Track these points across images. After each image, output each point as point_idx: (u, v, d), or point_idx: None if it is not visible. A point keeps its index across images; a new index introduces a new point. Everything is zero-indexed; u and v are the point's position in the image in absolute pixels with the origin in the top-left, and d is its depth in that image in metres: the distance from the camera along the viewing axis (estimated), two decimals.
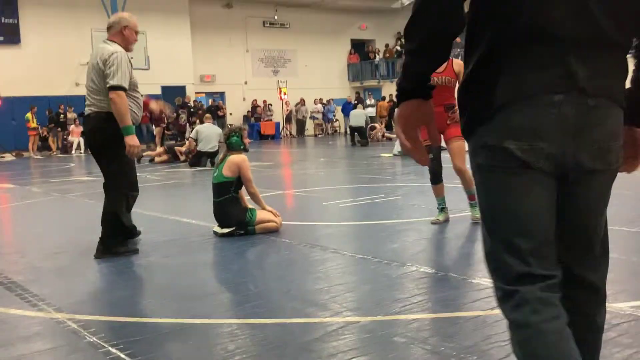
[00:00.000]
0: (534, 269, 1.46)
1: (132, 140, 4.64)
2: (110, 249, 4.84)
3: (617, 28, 1.44)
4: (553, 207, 1.51)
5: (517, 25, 1.42)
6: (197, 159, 13.29)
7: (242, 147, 5.65)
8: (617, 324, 2.92)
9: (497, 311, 3.07)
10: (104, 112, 4.73)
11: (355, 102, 24.50)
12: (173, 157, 15.16)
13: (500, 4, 1.43)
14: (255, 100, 27.32)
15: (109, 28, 4.97)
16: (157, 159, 15.25)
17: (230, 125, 16.25)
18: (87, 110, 4.93)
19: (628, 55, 1.55)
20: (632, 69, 1.59)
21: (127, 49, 4.92)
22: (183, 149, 15.08)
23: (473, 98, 1.50)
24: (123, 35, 4.92)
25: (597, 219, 1.58)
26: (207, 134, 13.27)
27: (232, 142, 5.61)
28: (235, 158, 5.50)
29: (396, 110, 1.55)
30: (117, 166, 4.81)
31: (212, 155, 13.01)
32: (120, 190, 4.85)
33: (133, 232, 5.07)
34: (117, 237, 4.89)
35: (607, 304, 2.44)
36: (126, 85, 4.71)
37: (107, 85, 4.65)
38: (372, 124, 21.47)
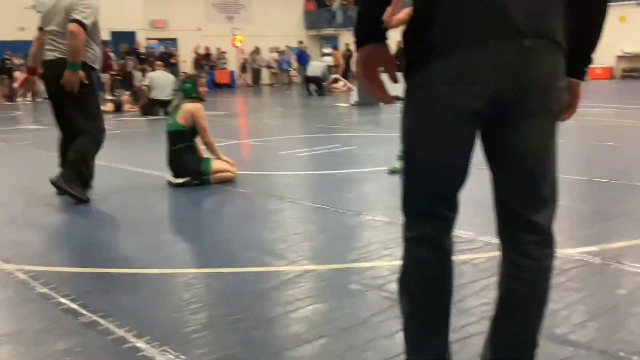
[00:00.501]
0: (437, 209, 1.62)
1: (73, 76, 4.57)
2: (66, 187, 4.70)
3: None
4: (470, 155, 1.58)
5: None
6: (150, 107, 12.96)
7: (194, 94, 5.45)
8: (567, 269, 3.00)
9: (477, 261, 3.13)
10: None
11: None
12: (116, 107, 14.72)
13: None
14: (208, 47, 26.65)
15: None
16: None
17: (183, 73, 15.84)
18: (49, 55, 4.77)
19: None
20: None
21: None
22: (126, 97, 14.70)
23: (413, 42, 1.53)
24: None
25: (542, 160, 1.59)
26: (160, 81, 12.93)
27: (185, 88, 5.45)
28: (190, 106, 5.36)
29: (356, 54, 1.60)
30: (88, 112, 4.78)
31: (165, 103, 12.68)
32: (93, 137, 4.81)
33: (89, 182, 4.95)
34: (77, 181, 4.78)
35: (558, 250, 2.50)
36: (89, 25, 4.64)
37: (71, 18, 4.56)
38: (336, 76, 21.22)
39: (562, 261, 3.11)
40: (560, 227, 3.96)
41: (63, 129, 5.03)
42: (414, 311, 1.69)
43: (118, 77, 20.73)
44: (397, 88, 1.55)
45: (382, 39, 1.56)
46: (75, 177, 4.75)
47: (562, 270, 2.99)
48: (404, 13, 1.71)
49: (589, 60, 1.70)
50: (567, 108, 1.71)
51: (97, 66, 4.90)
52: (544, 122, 1.56)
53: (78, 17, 4.58)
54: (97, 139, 4.86)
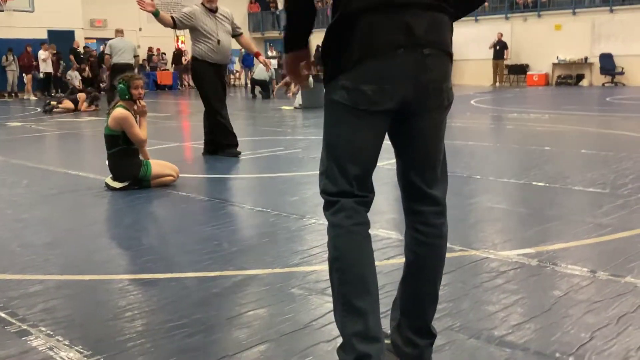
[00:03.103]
0: (354, 190, 1.90)
1: None
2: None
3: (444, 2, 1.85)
4: (381, 143, 1.93)
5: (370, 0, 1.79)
6: (115, 73, 12.62)
7: (127, 96, 5.25)
8: (504, 271, 3.05)
9: (394, 260, 3.14)
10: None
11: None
12: (75, 106, 14.36)
13: None
14: (151, 47, 26.17)
15: None
16: (60, 107, 14.29)
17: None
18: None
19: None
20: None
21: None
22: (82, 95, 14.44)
23: (334, 52, 1.86)
24: None
25: (436, 145, 1.96)
26: (121, 46, 12.91)
27: (119, 90, 5.28)
28: (117, 113, 5.14)
29: (284, 57, 2.00)
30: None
31: (127, 67, 12.42)
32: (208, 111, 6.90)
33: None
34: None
35: (495, 252, 2.53)
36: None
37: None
38: (287, 80, 21.07)
39: (499, 263, 3.17)
40: (498, 229, 4.07)
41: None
42: (345, 279, 1.87)
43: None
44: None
45: (305, 46, 1.98)
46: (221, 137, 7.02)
47: (500, 272, 3.04)
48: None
49: None
50: None
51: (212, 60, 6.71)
52: (438, 115, 1.93)
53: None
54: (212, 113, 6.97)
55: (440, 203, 2.00)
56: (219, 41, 6.60)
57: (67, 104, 14.40)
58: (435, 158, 1.97)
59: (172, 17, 6.66)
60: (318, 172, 1.98)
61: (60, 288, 2.96)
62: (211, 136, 7.06)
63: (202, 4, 6.67)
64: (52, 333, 2.42)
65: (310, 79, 13.77)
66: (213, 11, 6.67)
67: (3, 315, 2.60)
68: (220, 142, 6.99)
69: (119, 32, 13.84)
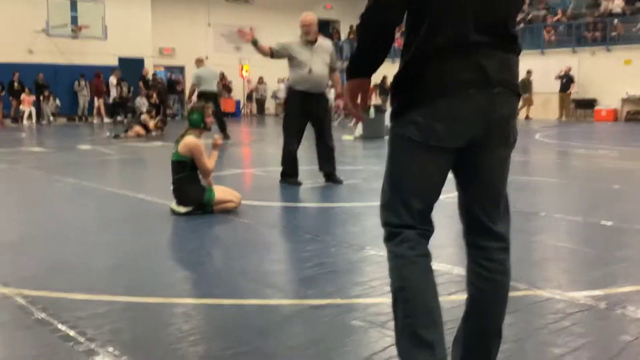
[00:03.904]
0: (417, 223, 1.94)
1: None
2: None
3: (510, 38, 1.91)
4: (445, 178, 1.96)
5: (441, 37, 1.82)
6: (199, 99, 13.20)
7: (202, 125, 5.47)
8: (571, 313, 2.96)
9: (455, 297, 3.10)
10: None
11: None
12: (146, 130, 14.97)
13: (428, 21, 1.83)
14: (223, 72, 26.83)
15: None
16: (129, 134, 14.86)
17: (189, 100, 16.11)
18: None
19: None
20: None
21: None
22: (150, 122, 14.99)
23: (407, 87, 1.89)
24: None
25: (501, 182, 2.00)
26: (207, 76, 13.44)
27: (192, 119, 5.46)
28: (188, 140, 5.32)
29: (346, 83, 2.01)
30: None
31: (214, 96, 13.23)
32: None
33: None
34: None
35: (561, 293, 2.46)
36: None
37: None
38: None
39: (566, 304, 3.07)
40: (564, 269, 3.95)
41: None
42: (411, 310, 1.88)
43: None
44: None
45: (369, 75, 1.99)
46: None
47: (567, 314, 2.95)
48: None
49: None
50: None
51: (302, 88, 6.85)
52: (503, 152, 1.97)
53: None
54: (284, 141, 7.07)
55: (504, 239, 2.01)
56: (310, 70, 6.76)
57: (138, 129, 14.93)
58: (499, 194, 1.99)
59: (270, 47, 6.92)
60: (379, 203, 2.01)
61: (126, 309, 3.05)
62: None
63: (301, 36, 6.90)
64: (118, 354, 2.48)
65: (372, 109, 13.85)
66: (311, 42, 6.87)
67: (72, 334, 2.69)
68: (284, 170, 7.10)
69: (200, 62, 14.25)
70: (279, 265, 3.82)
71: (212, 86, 13.58)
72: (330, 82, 7.51)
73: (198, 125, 5.45)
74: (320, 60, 6.86)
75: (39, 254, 4.13)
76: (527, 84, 22.31)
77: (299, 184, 6.98)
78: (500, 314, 2.03)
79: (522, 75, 21.81)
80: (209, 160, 5.40)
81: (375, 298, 3.18)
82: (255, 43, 6.81)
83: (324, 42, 7.08)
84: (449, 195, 2.18)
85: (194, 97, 13.10)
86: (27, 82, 21.34)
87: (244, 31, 6.83)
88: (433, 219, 1.99)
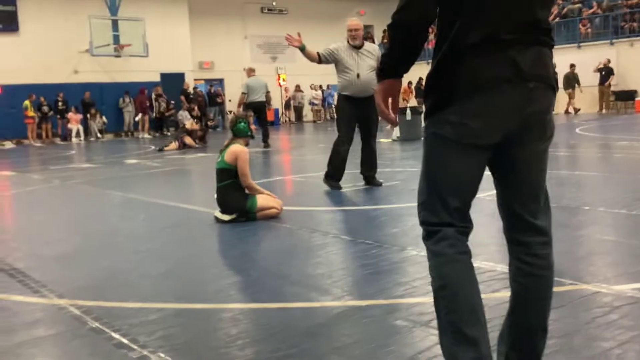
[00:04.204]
0: (455, 221, 1.93)
1: None
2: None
3: (543, 32, 1.88)
4: (482, 175, 1.95)
5: (473, 35, 1.82)
6: (251, 111, 13.55)
7: (249, 133, 5.66)
8: (618, 306, 2.92)
9: (499, 294, 3.09)
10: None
11: None
12: (183, 145, 15.22)
13: (460, 19, 1.83)
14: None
15: None
16: (172, 146, 15.23)
17: (230, 112, 16.29)
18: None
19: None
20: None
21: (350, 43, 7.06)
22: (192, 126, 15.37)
23: (440, 86, 1.89)
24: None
25: (539, 176, 1.98)
26: (256, 86, 13.80)
27: (240, 128, 5.60)
28: (236, 148, 5.48)
29: (377, 85, 2.00)
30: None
31: (261, 106, 13.71)
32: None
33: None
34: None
35: (608, 287, 2.46)
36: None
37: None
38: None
39: (613, 298, 3.04)
40: (610, 262, 3.89)
41: None
42: (453, 307, 1.87)
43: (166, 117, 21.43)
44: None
45: (400, 76, 1.99)
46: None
47: (614, 307, 2.91)
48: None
49: None
50: None
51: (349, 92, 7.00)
52: (540, 146, 1.95)
53: None
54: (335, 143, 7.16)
55: (546, 233, 1.99)
56: (358, 75, 6.88)
57: (189, 140, 15.26)
58: (538, 188, 1.98)
59: (317, 53, 7.02)
60: (417, 203, 2.02)
61: (176, 316, 3.14)
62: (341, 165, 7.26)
63: (347, 40, 7.05)
64: (170, 359, 2.57)
65: (408, 111, 13.81)
66: (357, 47, 6.98)
67: (125, 341, 2.80)
68: (328, 171, 7.16)
69: (252, 72, 14.42)
70: (322, 269, 3.87)
71: (261, 96, 13.86)
72: None
73: (245, 134, 5.59)
74: (366, 64, 6.95)
75: (91, 265, 4.29)
76: (571, 79, 21.90)
77: (339, 188, 7.03)
78: (545, 309, 2.01)
79: (565, 69, 21.59)
80: (250, 180, 5.52)
81: (418, 298, 3.20)
82: (303, 49, 6.90)
83: (371, 47, 7.17)
84: (489, 193, 2.20)
85: (240, 108, 13.38)
86: (74, 101, 22.04)
87: (292, 37, 6.89)
88: (472, 216, 1.99)
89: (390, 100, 2.01)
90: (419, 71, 26.84)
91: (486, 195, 2.20)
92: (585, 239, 4.32)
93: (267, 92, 14.23)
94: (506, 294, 3.06)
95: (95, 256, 4.58)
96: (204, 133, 16.17)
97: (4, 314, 3.30)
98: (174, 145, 15.18)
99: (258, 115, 13.78)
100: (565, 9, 24.85)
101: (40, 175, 10.83)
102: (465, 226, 1.95)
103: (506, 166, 1.96)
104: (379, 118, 6.89)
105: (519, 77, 1.82)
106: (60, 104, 21.86)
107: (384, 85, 1.99)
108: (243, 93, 13.94)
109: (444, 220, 1.92)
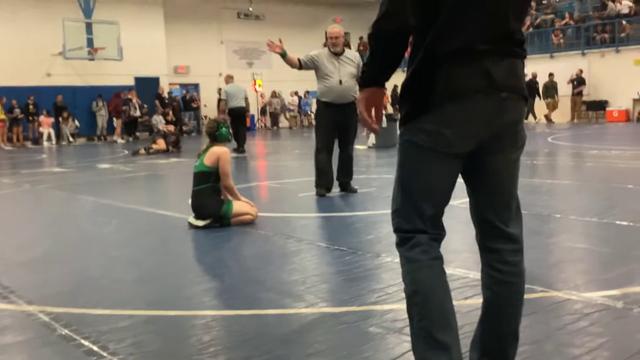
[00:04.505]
0: (428, 228, 1.95)
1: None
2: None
3: (517, 43, 1.91)
4: (455, 183, 1.98)
5: (448, 45, 1.83)
6: (232, 117, 13.71)
7: (230, 138, 5.69)
8: (588, 313, 2.96)
9: (471, 301, 3.11)
10: None
11: None
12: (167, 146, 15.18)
13: (435, 29, 1.84)
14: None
15: None
16: (154, 147, 15.12)
17: (206, 117, 16.19)
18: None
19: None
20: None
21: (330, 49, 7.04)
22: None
23: (414, 95, 1.91)
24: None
25: (511, 184, 2.01)
26: (235, 92, 13.99)
27: (222, 133, 5.59)
28: (218, 149, 5.48)
29: (359, 94, 2.02)
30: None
31: (241, 111, 13.95)
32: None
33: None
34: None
35: (578, 294, 2.48)
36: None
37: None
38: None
39: (583, 305, 3.08)
40: (580, 270, 3.95)
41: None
42: (425, 313, 1.89)
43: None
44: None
45: (382, 85, 2.01)
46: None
47: (584, 314, 2.95)
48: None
49: None
50: None
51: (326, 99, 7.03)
52: (512, 155, 1.99)
53: None
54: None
55: (517, 241, 2.02)
56: (340, 81, 6.92)
57: (161, 144, 15.13)
58: (510, 196, 2.01)
59: (298, 59, 7.03)
60: (390, 210, 2.03)
61: (148, 323, 3.11)
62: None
63: (328, 47, 7.07)
64: None
65: (384, 119, 13.88)
66: (337, 54, 7.01)
67: (96, 348, 2.76)
68: (315, 179, 7.15)
69: (230, 78, 14.67)
70: (297, 275, 3.86)
71: (241, 102, 14.05)
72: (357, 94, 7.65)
73: (226, 139, 5.60)
74: (347, 71, 6.98)
75: (62, 271, 4.22)
76: (550, 87, 22.23)
77: (322, 194, 7.01)
78: (517, 315, 2.04)
79: (545, 79, 21.92)
80: (230, 180, 5.54)
81: (392, 304, 3.21)
82: (284, 55, 6.89)
83: (351, 53, 7.21)
84: (462, 201, 2.21)
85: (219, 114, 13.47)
86: (46, 105, 21.69)
87: (274, 43, 6.86)
88: (445, 223, 2.01)
89: (373, 109, 2.01)
90: (395, 79, 27.00)
91: (460, 202, 2.22)
92: (556, 247, 4.38)
93: (246, 98, 14.32)
94: (478, 300, 3.08)
95: (65, 261, 4.51)
96: (177, 138, 16.05)
97: None
98: (162, 144, 15.04)
99: (238, 121, 13.93)
100: (539, 19, 25.27)
101: (10, 179, 10.64)
102: (438, 233, 1.98)
103: (478, 174, 1.99)
104: (358, 125, 6.94)
105: (493, 88, 1.85)
106: (31, 107, 21.52)
107: (366, 94, 2.00)
108: (223, 100, 14.12)
109: (417, 227, 1.95)
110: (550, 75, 22.20)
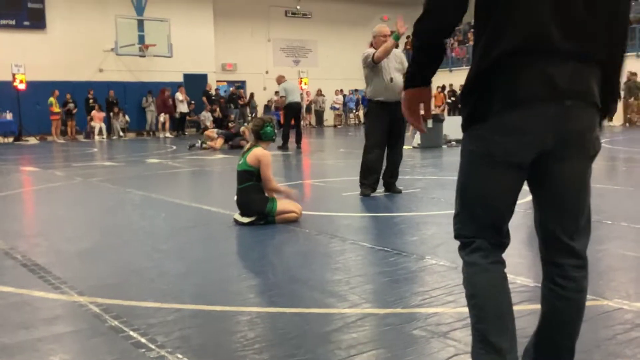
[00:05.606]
0: (487, 235, 1.92)
1: None
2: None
3: (592, 48, 1.78)
4: (518, 192, 1.92)
5: (506, 42, 1.75)
6: (289, 112, 14.80)
7: (273, 137, 5.71)
8: (639, 323, 2.89)
9: (518, 307, 3.06)
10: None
11: None
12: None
13: (493, 26, 1.78)
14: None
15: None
16: (209, 143, 15.43)
17: (252, 114, 16.31)
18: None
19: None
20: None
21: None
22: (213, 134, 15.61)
23: (474, 99, 1.86)
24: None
25: (579, 196, 1.91)
26: (292, 88, 15.14)
27: (267, 131, 5.63)
28: (259, 152, 5.51)
29: (404, 92, 1.98)
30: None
31: (298, 106, 14.99)
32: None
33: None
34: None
35: (629, 303, 2.42)
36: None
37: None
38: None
39: (634, 315, 3.00)
40: (632, 278, 3.84)
41: None
42: (482, 316, 1.89)
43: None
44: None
45: (427, 84, 1.96)
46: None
47: (635, 324, 2.88)
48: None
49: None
50: None
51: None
52: (581, 164, 1.89)
53: None
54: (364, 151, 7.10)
55: (581, 256, 1.95)
56: (391, 79, 6.94)
57: (218, 142, 15.31)
58: (577, 208, 1.93)
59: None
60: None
61: (194, 317, 3.16)
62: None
63: (376, 47, 7.06)
64: None
65: (428, 121, 13.74)
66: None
67: (144, 340, 2.82)
68: (360, 178, 7.12)
69: (283, 77, 15.46)
70: (340, 275, 3.87)
71: (297, 98, 15.05)
72: None
73: (270, 138, 5.63)
74: (395, 69, 7.02)
75: (111, 263, 4.33)
76: (632, 87, 21.39)
77: (366, 194, 6.98)
78: (575, 332, 1.99)
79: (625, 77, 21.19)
80: (274, 183, 5.58)
81: (436, 308, 3.19)
82: (397, 38, 6.87)
83: (397, 52, 7.21)
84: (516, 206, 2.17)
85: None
86: (98, 100, 22.28)
87: (402, 22, 6.78)
88: (509, 231, 1.98)
89: (422, 106, 1.99)
90: (443, 79, 26.79)
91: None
92: (606, 254, 4.27)
93: (301, 94, 14.77)
94: (526, 307, 3.05)
95: (115, 253, 4.63)
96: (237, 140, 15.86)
97: (24, 310, 3.35)
98: (219, 143, 15.25)
99: (296, 117, 14.89)
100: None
101: (63, 172, 10.96)
102: (499, 240, 1.95)
103: (542, 184, 1.92)
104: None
105: (554, 95, 1.76)
106: (91, 101, 22.08)
107: (410, 94, 1.97)
108: (282, 97, 14.89)
109: (476, 234, 1.93)
110: (633, 74, 21.26)
